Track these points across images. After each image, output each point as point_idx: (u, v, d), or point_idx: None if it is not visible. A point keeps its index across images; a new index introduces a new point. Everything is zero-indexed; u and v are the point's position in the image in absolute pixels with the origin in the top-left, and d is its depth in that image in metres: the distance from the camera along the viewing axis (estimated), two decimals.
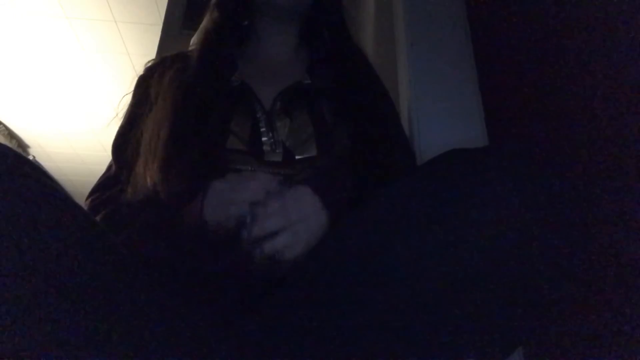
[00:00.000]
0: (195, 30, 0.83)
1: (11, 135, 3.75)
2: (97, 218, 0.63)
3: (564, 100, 0.87)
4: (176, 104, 0.65)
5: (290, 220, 0.52)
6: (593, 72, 0.79)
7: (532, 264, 0.40)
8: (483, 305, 0.40)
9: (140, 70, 0.78)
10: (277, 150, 0.65)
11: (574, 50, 0.84)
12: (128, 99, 0.76)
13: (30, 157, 4.03)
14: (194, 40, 0.79)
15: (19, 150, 3.84)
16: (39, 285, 0.33)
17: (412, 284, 0.40)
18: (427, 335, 0.41)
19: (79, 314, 0.35)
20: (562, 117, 0.87)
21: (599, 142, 0.77)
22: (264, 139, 0.65)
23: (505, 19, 1.09)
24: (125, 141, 0.68)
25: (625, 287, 0.68)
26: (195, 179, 0.59)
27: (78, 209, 0.40)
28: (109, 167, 0.73)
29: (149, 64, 0.78)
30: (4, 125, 3.63)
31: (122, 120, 0.74)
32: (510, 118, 1.04)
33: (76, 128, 3.64)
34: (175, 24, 1.53)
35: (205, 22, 0.79)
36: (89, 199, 0.69)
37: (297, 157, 0.64)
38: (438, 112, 1.02)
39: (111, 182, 0.70)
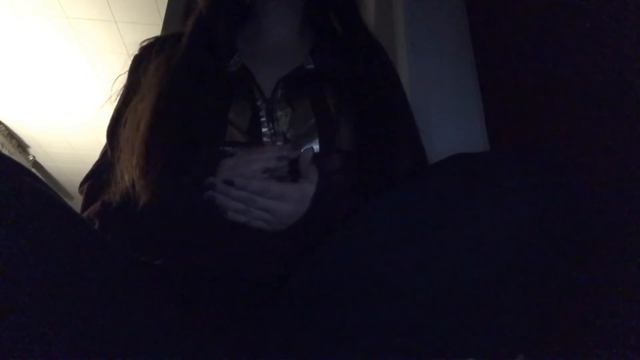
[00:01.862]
0: None
1: (11, 135, 3.75)
2: (93, 210, 0.61)
3: (564, 100, 0.87)
4: (159, 94, 0.61)
5: (272, 211, 0.54)
6: (593, 72, 0.79)
7: (536, 269, 0.39)
8: (485, 311, 0.40)
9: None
10: (278, 142, 0.62)
11: (575, 50, 0.84)
12: (121, 81, 0.72)
13: (30, 157, 4.03)
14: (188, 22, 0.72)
15: (19, 150, 3.84)
16: (33, 290, 0.33)
17: (413, 288, 0.40)
18: (428, 339, 0.41)
19: (74, 317, 0.35)
20: (562, 116, 0.87)
21: (599, 143, 0.76)
22: (263, 129, 0.62)
23: (506, 20, 1.09)
24: (118, 126, 0.64)
25: (627, 287, 0.67)
26: (180, 176, 0.56)
27: (73, 214, 0.40)
28: (105, 153, 0.69)
29: (145, 43, 0.73)
30: (4, 125, 3.62)
31: (116, 103, 0.70)
32: (510, 118, 1.04)
33: (76, 128, 3.63)
34: (175, 24, 1.53)
35: (199, 2, 0.72)
36: (86, 184, 0.66)
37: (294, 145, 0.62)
38: (438, 112, 1.02)
39: (107, 168, 0.65)
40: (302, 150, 0.57)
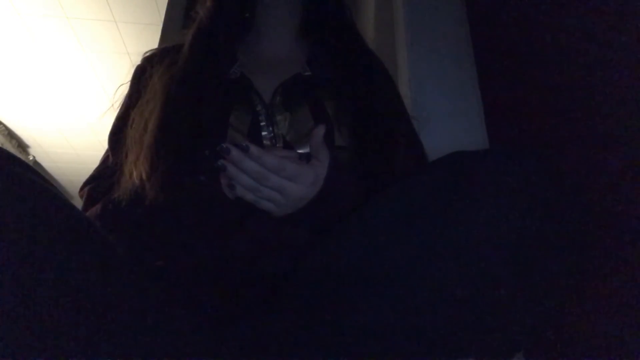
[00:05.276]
0: None
1: (11, 135, 3.75)
2: (94, 212, 0.62)
3: (564, 100, 0.87)
4: (167, 95, 0.63)
5: (284, 192, 0.52)
6: (593, 71, 0.79)
7: (534, 266, 0.40)
8: (483, 309, 0.40)
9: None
10: (278, 145, 0.64)
11: (574, 50, 0.84)
12: (123, 89, 0.74)
13: (30, 157, 4.03)
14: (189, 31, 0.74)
15: (19, 150, 3.84)
16: (30, 286, 0.33)
17: (412, 287, 0.40)
18: (427, 338, 0.41)
19: (71, 315, 0.35)
20: (562, 117, 0.87)
21: (599, 142, 0.76)
22: (263, 133, 0.64)
23: (505, 19, 1.09)
24: (121, 132, 0.67)
25: (625, 287, 0.67)
26: (187, 172, 0.57)
27: (72, 209, 0.40)
28: (106, 157, 0.71)
29: (147, 54, 0.76)
30: (4, 125, 3.62)
31: (118, 111, 0.72)
32: (510, 118, 1.04)
33: (76, 128, 3.63)
34: (175, 24, 1.53)
35: (200, 12, 0.74)
36: (86, 188, 0.68)
37: (298, 151, 0.63)
38: (438, 112, 1.02)
39: (108, 172, 0.67)
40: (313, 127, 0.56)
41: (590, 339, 0.73)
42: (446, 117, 1.02)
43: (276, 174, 0.50)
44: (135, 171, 0.58)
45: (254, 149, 0.49)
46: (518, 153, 0.43)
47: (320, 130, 0.54)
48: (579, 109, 0.82)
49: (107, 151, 0.71)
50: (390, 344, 0.42)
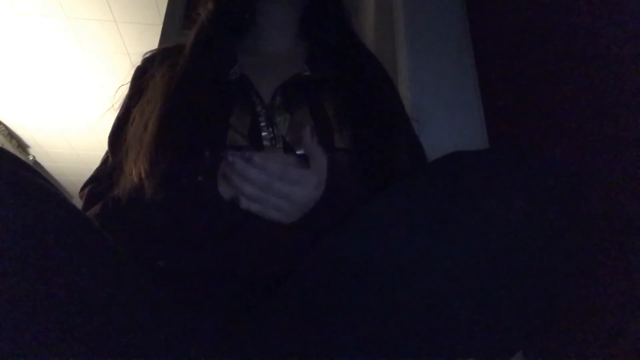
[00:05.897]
0: None
1: (11, 135, 3.75)
2: (93, 212, 0.62)
3: (564, 100, 0.87)
4: (167, 95, 0.63)
5: (290, 198, 0.51)
6: (594, 71, 0.79)
7: (534, 266, 0.40)
8: (484, 309, 0.40)
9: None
10: (278, 145, 0.63)
11: (575, 50, 0.84)
12: (123, 90, 0.74)
13: (30, 157, 4.03)
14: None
15: (19, 150, 3.85)
16: (32, 286, 0.33)
17: (412, 287, 0.40)
18: (427, 338, 0.41)
19: (73, 314, 0.35)
20: (562, 117, 0.87)
21: (599, 142, 0.77)
22: (263, 134, 0.64)
23: (505, 19, 1.09)
24: (121, 133, 0.67)
25: (625, 287, 0.68)
26: (186, 172, 0.57)
27: (73, 209, 0.40)
28: (106, 158, 0.71)
29: (148, 54, 0.76)
30: (4, 125, 3.63)
31: (118, 111, 0.73)
32: (510, 118, 1.04)
33: (76, 128, 3.64)
34: (175, 24, 1.53)
35: (201, 14, 0.75)
36: (86, 189, 0.68)
37: (297, 152, 0.63)
38: (438, 112, 1.02)
39: (108, 173, 0.67)
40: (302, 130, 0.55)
41: (590, 339, 0.73)
42: (446, 118, 1.02)
43: (280, 180, 0.50)
44: (134, 169, 0.58)
45: (257, 157, 0.49)
46: (518, 153, 0.43)
47: (307, 132, 0.53)
48: (579, 108, 0.82)
49: (107, 152, 0.72)
50: (391, 343, 0.42)
